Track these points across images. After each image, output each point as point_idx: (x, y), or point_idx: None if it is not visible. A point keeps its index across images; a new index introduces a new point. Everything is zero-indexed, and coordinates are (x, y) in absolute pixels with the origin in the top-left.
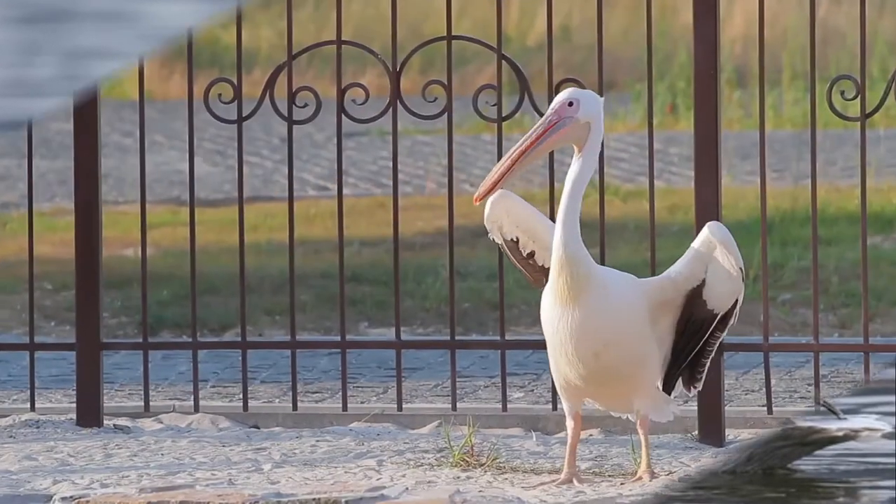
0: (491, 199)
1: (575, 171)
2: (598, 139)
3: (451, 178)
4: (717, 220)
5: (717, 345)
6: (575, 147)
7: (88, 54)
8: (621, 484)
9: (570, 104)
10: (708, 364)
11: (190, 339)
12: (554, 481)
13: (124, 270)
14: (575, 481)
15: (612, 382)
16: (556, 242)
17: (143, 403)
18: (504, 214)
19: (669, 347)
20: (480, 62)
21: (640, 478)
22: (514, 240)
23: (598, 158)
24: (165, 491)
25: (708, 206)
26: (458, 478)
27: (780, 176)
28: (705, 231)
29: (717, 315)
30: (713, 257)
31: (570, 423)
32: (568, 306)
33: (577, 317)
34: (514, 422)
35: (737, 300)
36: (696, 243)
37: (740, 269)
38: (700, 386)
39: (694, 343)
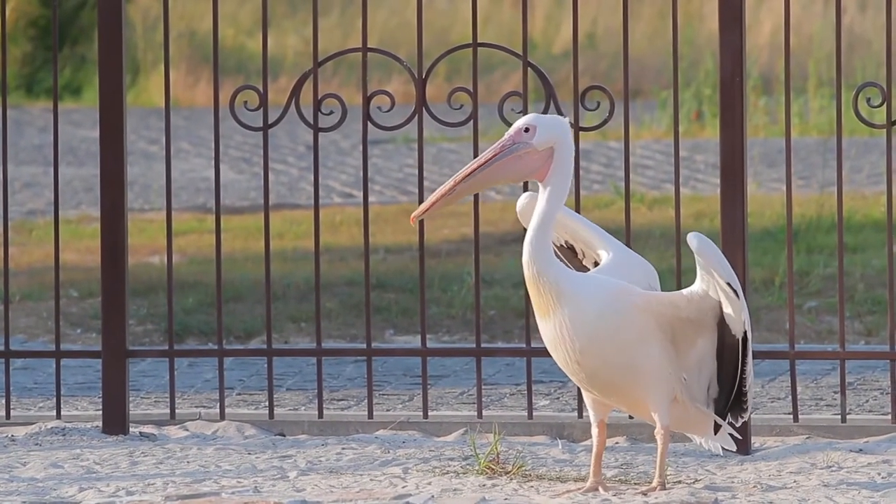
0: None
1: (544, 197)
2: (565, 162)
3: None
4: (743, 228)
5: (748, 372)
6: (539, 182)
7: None
8: (643, 493)
9: (526, 130)
10: (749, 394)
11: (216, 347)
12: (580, 489)
13: (150, 278)
14: (601, 489)
15: (609, 390)
16: (524, 260)
17: (168, 411)
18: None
19: (714, 373)
20: (506, 69)
21: (653, 488)
22: (567, 245)
23: (568, 181)
24: (191, 498)
25: (734, 214)
26: (484, 485)
27: (805, 183)
28: (690, 243)
29: (738, 339)
30: (710, 273)
31: (594, 431)
32: (545, 318)
33: (553, 328)
34: (540, 429)
35: (745, 320)
36: (695, 259)
37: (728, 284)
38: (746, 416)
39: (731, 370)
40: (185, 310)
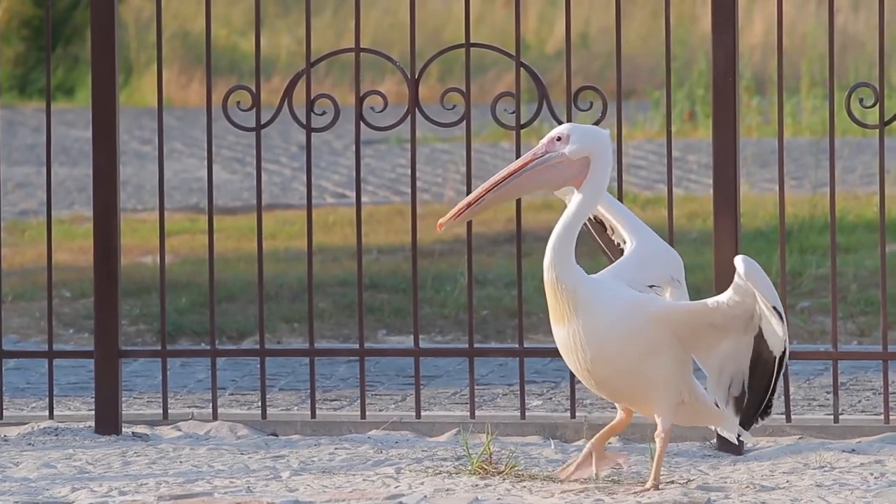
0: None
1: (574, 204)
2: (600, 173)
3: (470, 185)
4: (736, 228)
5: (774, 382)
6: (574, 188)
7: None
8: (635, 494)
9: (559, 139)
10: (775, 402)
11: (208, 347)
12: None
13: (143, 278)
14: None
15: (618, 395)
16: (544, 264)
17: (161, 411)
18: None
19: (737, 373)
20: (499, 70)
21: (647, 489)
22: (597, 220)
23: (602, 192)
24: (184, 499)
25: (727, 214)
26: (477, 486)
27: (798, 183)
28: (738, 266)
29: (775, 356)
30: (755, 293)
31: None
32: (560, 324)
33: (567, 334)
34: (533, 430)
35: (786, 341)
36: (736, 276)
37: (773, 307)
38: (766, 420)
39: (763, 381)
40: (177, 310)
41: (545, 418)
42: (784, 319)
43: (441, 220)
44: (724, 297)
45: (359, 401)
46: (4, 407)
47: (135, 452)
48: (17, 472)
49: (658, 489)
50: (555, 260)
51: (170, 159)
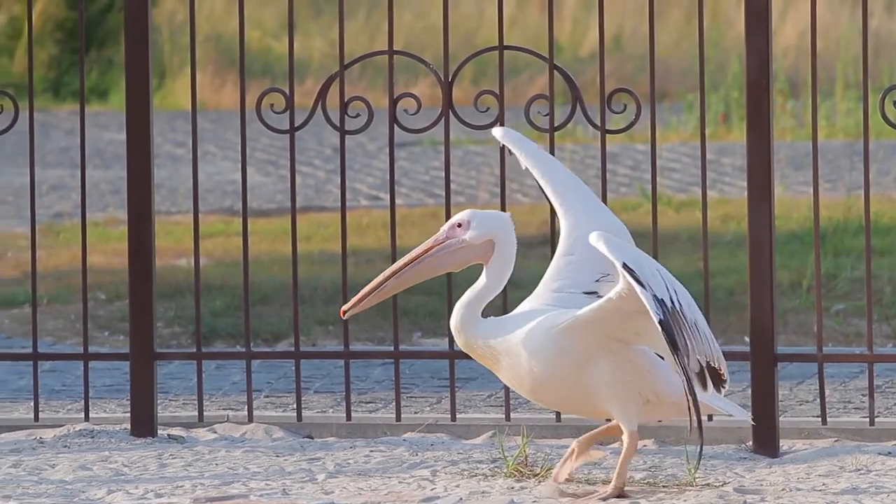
0: (498, 134)
1: (480, 283)
2: (504, 255)
3: (504, 188)
4: (770, 231)
5: (699, 346)
6: (483, 264)
7: None
8: (602, 499)
9: (459, 226)
10: (722, 366)
11: (243, 349)
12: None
13: (177, 280)
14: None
15: (585, 413)
16: (451, 328)
17: (196, 413)
18: (512, 149)
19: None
20: (533, 72)
21: (607, 493)
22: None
23: (509, 271)
24: (219, 501)
25: (761, 217)
26: (512, 488)
27: (832, 186)
28: (591, 241)
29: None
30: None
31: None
32: (494, 371)
33: (504, 378)
34: (568, 432)
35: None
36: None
37: (624, 265)
38: (725, 387)
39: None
40: (212, 312)
41: (580, 421)
42: (643, 281)
43: (344, 308)
44: (619, 284)
45: (394, 403)
46: (40, 409)
47: (170, 455)
48: (53, 475)
49: (623, 494)
50: (461, 324)
51: (203, 162)
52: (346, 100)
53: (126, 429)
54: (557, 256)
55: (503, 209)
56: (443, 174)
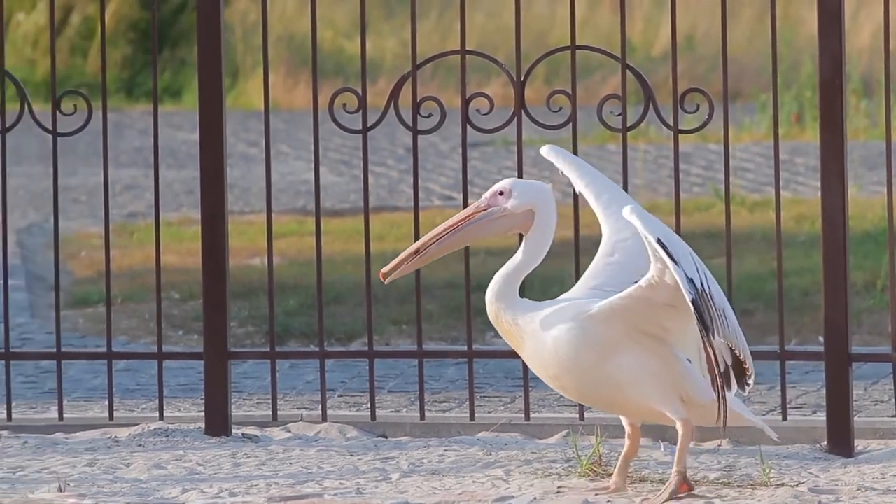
0: (545, 152)
1: (520, 253)
2: (545, 225)
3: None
4: (844, 231)
5: (729, 336)
6: (523, 234)
7: None
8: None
9: (501, 193)
10: (748, 360)
11: (317, 349)
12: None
13: (251, 280)
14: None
15: (607, 407)
16: (486, 298)
17: (270, 413)
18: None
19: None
20: (605, 72)
21: (672, 481)
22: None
23: (548, 243)
24: (294, 500)
25: (835, 217)
26: (587, 487)
27: None
28: (624, 215)
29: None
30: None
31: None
32: (518, 351)
33: (527, 359)
34: (644, 431)
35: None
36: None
37: (658, 240)
38: (751, 383)
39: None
40: (286, 312)
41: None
42: (676, 259)
43: (383, 270)
44: (651, 266)
45: (468, 402)
46: (115, 408)
47: (244, 454)
48: (127, 473)
49: (688, 485)
50: (497, 294)
51: (276, 161)
52: (418, 99)
53: (200, 428)
54: (598, 258)
55: (576, 209)
56: (515, 174)
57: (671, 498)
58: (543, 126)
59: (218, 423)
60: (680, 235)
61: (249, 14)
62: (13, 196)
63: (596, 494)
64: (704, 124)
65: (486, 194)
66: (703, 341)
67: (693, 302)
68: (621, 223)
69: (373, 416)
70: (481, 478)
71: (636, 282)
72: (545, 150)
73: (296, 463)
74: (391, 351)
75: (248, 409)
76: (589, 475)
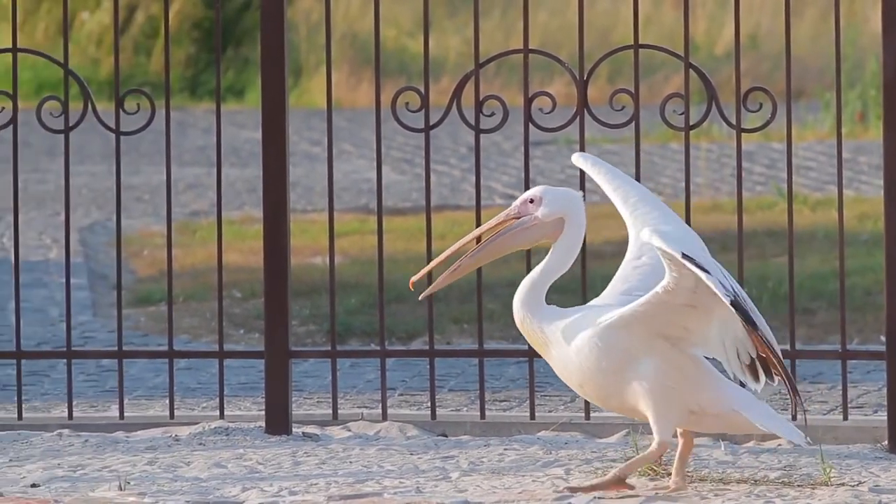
0: (575, 159)
1: (549, 260)
2: (574, 233)
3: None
4: None
5: (761, 332)
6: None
7: None
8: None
9: (531, 201)
10: (777, 352)
11: (378, 348)
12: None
13: (313, 278)
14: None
15: (627, 412)
16: (514, 304)
17: (331, 411)
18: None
19: (737, 338)
20: (668, 71)
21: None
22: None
23: (576, 251)
24: (353, 499)
25: None
26: (647, 487)
27: None
28: (643, 236)
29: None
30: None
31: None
32: (544, 356)
33: (553, 365)
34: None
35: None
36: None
37: (683, 255)
38: (781, 372)
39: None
40: (347, 310)
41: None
42: (707, 268)
43: (413, 279)
44: (666, 276)
45: (528, 401)
46: (176, 407)
47: (305, 452)
48: (188, 472)
49: (621, 483)
50: (523, 301)
51: (339, 160)
52: (481, 98)
53: (261, 427)
54: (626, 262)
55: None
56: (578, 173)
57: (596, 489)
58: (606, 125)
59: (278, 421)
60: (742, 234)
61: (313, 13)
62: (76, 195)
63: (656, 493)
64: (767, 123)
65: (516, 202)
66: (752, 337)
67: (733, 304)
68: (648, 226)
69: (433, 415)
70: (541, 477)
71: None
72: (576, 158)
73: (356, 462)
74: (452, 350)
75: (309, 407)
76: (649, 474)
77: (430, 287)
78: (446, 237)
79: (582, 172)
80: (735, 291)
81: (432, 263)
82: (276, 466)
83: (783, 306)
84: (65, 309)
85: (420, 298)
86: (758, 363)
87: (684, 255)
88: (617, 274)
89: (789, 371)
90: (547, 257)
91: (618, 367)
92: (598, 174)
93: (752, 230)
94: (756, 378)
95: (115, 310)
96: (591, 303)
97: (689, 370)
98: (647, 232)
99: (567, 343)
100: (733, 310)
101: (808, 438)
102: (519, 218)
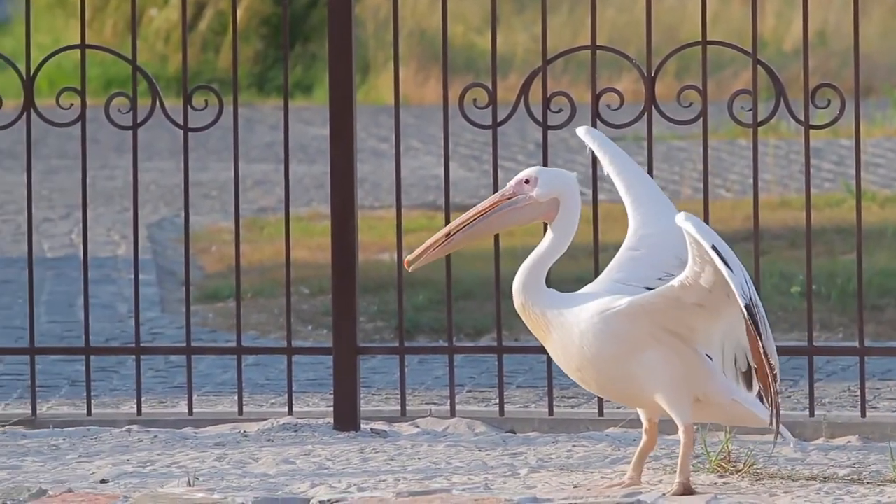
0: (581, 133)
1: (547, 241)
2: (570, 214)
3: (707, 183)
4: None
5: (765, 345)
6: (548, 223)
7: None
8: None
9: (527, 181)
10: (775, 365)
11: (446, 344)
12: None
13: (380, 275)
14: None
15: (625, 401)
16: (513, 289)
17: (399, 408)
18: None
19: (738, 346)
20: (736, 67)
21: (675, 490)
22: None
23: (573, 231)
24: (422, 495)
25: None
26: (715, 483)
27: None
28: (678, 221)
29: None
30: (697, 240)
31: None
32: (544, 342)
33: (552, 351)
34: (771, 428)
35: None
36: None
37: (713, 247)
38: (776, 387)
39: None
40: (415, 307)
41: (783, 416)
42: (731, 266)
43: (408, 258)
44: (687, 269)
45: (596, 398)
46: (244, 403)
47: (373, 449)
48: (256, 468)
49: (688, 490)
50: (523, 285)
51: (406, 157)
52: (548, 95)
53: (329, 423)
54: (622, 250)
55: (706, 205)
56: (645, 169)
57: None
58: (674, 121)
59: (347, 418)
60: (810, 231)
61: (381, 9)
62: (144, 191)
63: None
64: (835, 120)
65: (512, 182)
66: (753, 345)
67: (746, 307)
68: (648, 217)
69: (501, 412)
70: (610, 473)
71: (660, 278)
72: (582, 131)
73: (424, 458)
74: (520, 346)
75: (377, 404)
76: (717, 471)
77: (421, 259)
78: (514, 234)
79: (650, 168)
80: (752, 297)
81: (428, 241)
82: (344, 463)
83: (852, 303)
84: (133, 305)
85: (410, 270)
86: (754, 373)
87: (713, 248)
88: (613, 261)
89: (778, 391)
90: (544, 240)
91: (620, 354)
92: (604, 155)
93: (821, 227)
94: (749, 387)
95: (183, 306)
96: (585, 289)
97: (692, 360)
98: (682, 216)
99: (569, 327)
100: (745, 313)
101: (794, 437)
102: (513, 197)
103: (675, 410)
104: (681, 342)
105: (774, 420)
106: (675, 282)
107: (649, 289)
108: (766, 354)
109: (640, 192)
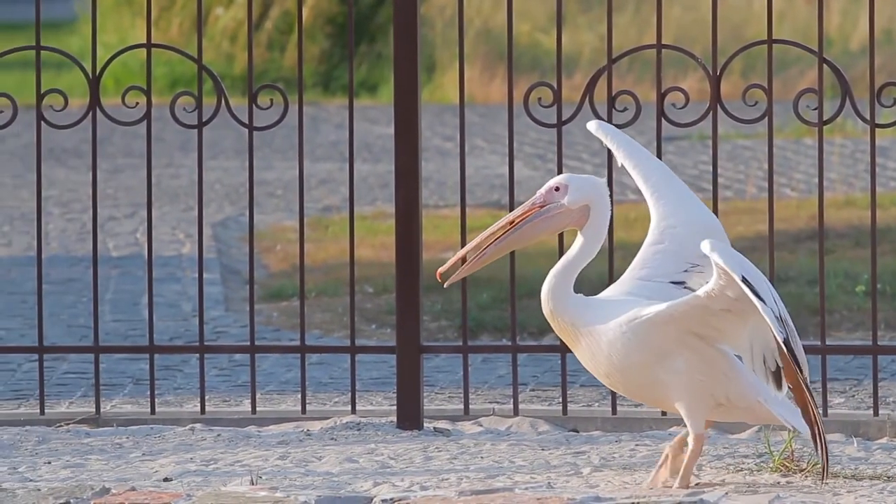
0: (592, 128)
1: (576, 247)
2: (600, 220)
3: (772, 182)
4: None
5: (796, 365)
6: (578, 230)
7: None
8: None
9: (557, 189)
10: (807, 376)
11: (509, 343)
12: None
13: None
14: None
15: (653, 404)
16: (542, 296)
17: (462, 406)
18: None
19: (766, 346)
20: (802, 66)
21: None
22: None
23: (602, 237)
24: (485, 494)
25: None
26: (778, 483)
27: None
28: (703, 248)
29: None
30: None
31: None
32: (573, 348)
33: (581, 357)
34: (835, 427)
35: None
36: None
37: (743, 278)
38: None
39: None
40: (479, 306)
41: (847, 416)
42: (762, 296)
43: (440, 270)
44: (711, 282)
45: None
46: (308, 402)
47: (436, 447)
48: (320, 466)
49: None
50: (552, 292)
51: (471, 156)
52: (613, 94)
53: (392, 421)
54: (646, 245)
55: (770, 204)
56: (710, 168)
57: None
58: (739, 120)
59: (410, 416)
60: (876, 230)
61: (447, 8)
62: (209, 190)
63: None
64: None
65: (542, 190)
66: (788, 370)
67: (784, 342)
68: (669, 209)
69: (564, 411)
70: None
71: (686, 270)
72: (592, 126)
73: (487, 457)
74: None
75: (440, 402)
76: (781, 470)
77: (457, 273)
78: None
79: (714, 167)
80: (786, 327)
81: (460, 253)
82: (407, 461)
83: None
84: (197, 304)
85: (446, 285)
86: (783, 373)
87: (744, 280)
88: (637, 257)
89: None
90: (574, 246)
91: (648, 362)
92: (617, 148)
93: (886, 225)
94: (779, 386)
95: (247, 305)
96: (609, 289)
97: (719, 363)
98: (708, 246)
99: (598, 336)
100: (784, 349)
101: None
102: (545, 206)
103: (690, 419)
104: (707, 345)
105: (821, 446)
106: (700, 292)
107: (676, 283)
108: (807, 388)
109: (660, 183)
